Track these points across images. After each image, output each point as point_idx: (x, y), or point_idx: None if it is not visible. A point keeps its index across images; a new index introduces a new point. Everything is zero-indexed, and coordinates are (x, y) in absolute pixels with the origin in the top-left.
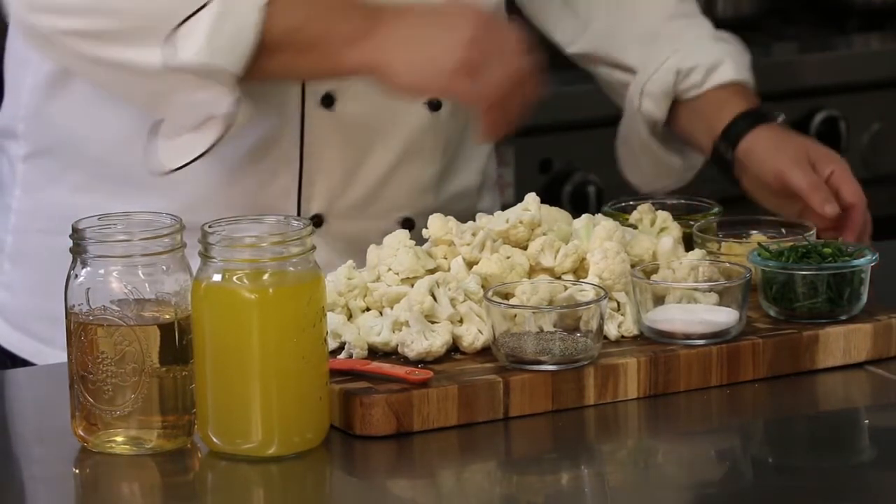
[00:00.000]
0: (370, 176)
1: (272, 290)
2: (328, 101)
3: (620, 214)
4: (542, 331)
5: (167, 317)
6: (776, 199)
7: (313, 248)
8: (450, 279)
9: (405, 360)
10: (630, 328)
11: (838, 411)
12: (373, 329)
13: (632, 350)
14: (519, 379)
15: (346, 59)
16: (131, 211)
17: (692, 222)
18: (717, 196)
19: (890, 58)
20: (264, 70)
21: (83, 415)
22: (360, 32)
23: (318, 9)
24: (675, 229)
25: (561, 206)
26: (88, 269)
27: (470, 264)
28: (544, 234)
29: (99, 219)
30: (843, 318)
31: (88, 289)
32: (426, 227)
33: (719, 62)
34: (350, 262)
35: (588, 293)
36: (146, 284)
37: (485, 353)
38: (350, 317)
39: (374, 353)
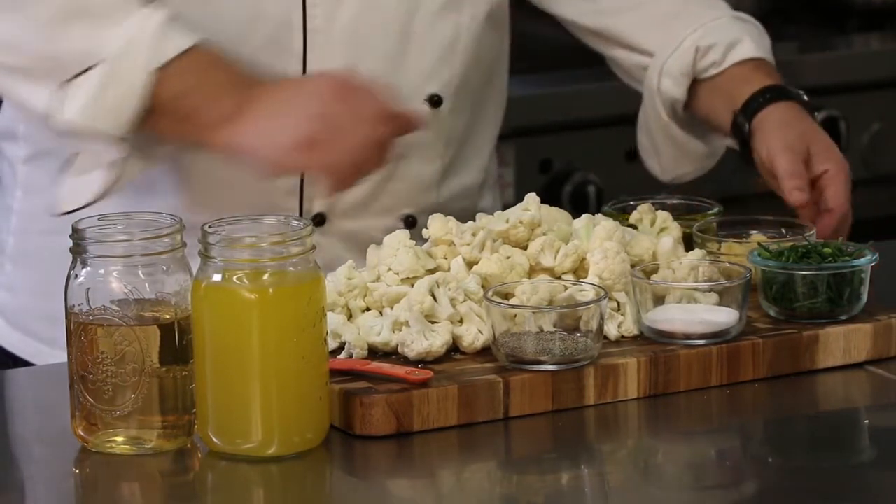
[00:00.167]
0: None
1: (272, 290)
2: None
3: (620, 214)
4: (542, 331)
5: (167, 317)
6: (769, 178)
7: (313, 247)
8: (450, 279)
9: (405, 360)
10: (630, 328)
11: (838, 411)
12: (373, 329)
13: (632, 350)
14: (519, 379)
15: (214, 137)
16: (131, 211)
17: (692, 222)
18: (717, 196)
19: (890, 58)
20: (150, 129)
21: (83, 415)
22: (231, 113)
23: (205, 81)
24: (675, 229)
25: (561, 206)
26: (88, 269)
27: (470, 264)
28: (544, 234)
29: (99, 219)
30: (843, 318)
31: (88, 289)
32: (425, 224)
33: (738, 40)
34: (350, 261)
35: (588, 293)
36: (146, 284)
37: (485, 353)
38: (350, 317)
39: (374, 353)
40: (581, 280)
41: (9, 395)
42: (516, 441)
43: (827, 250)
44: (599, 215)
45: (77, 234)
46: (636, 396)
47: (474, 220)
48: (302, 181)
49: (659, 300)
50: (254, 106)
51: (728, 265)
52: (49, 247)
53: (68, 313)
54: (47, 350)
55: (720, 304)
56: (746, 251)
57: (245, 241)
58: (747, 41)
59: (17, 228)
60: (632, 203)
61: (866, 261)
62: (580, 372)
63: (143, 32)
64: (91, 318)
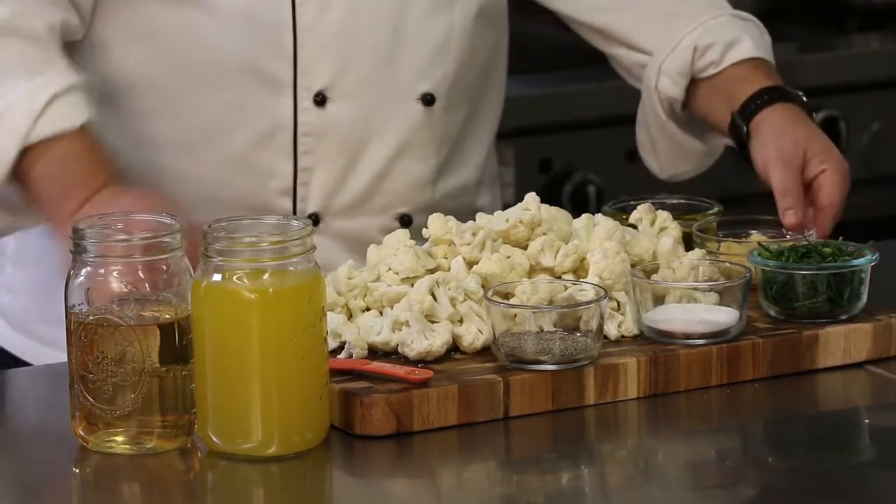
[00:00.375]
0: (365, 173)
1: (272, 290)
2: (320, 99)
3: (620, 214)
4: (542, 330)
5: (167, 317)
6: (765, 182)
7: (313, 247)
8: (450, 279)
9: (405, 360)
10: (630, 328)
11: (838, 411)
12: (373, 329)
13: (632, 350)
14: (519, 379)
15: (57, 227)
16: (131, 211)
17: (692, 222)
18: (717, 196)
19: (890, 58)
20: (16, 191)
21: (83, 415)
22: (72, 213)
23: (63, 174)
24: (675, 229)
25: (561, 206)
26: (88, 269)
27: (470, 264)
28: (544, 233)
29: (99, 219)
30: (843, 317)
31: (88, 289)
32: (423, 224)
33: (737, 39)
34: (350, 261)
35: (588, 293)
36: (146, 284)
37: (485, 352)
38: (350, 316)
39: (374, 352)
40: (581, 280)
41: (9, 395)
42: (516, 441)
43: (827, 250)
44: (599, 215)
45: (77, 234)
46: (636, 396)
47: (472, 217)
48: (295, 182)
49: (659, 300)
50: (83, 210)
51: (728, 265)
52: (50, 248)
53: (68, 313)
54: (48, 351)
55: (720, 303)
56: (746, 251)
57: (245, 241)
58: (746, 40)
59: None
60: (632, 203)
61: (866, 261)
62: (580, 372)
63: (29, 101)
64: (91, 318)
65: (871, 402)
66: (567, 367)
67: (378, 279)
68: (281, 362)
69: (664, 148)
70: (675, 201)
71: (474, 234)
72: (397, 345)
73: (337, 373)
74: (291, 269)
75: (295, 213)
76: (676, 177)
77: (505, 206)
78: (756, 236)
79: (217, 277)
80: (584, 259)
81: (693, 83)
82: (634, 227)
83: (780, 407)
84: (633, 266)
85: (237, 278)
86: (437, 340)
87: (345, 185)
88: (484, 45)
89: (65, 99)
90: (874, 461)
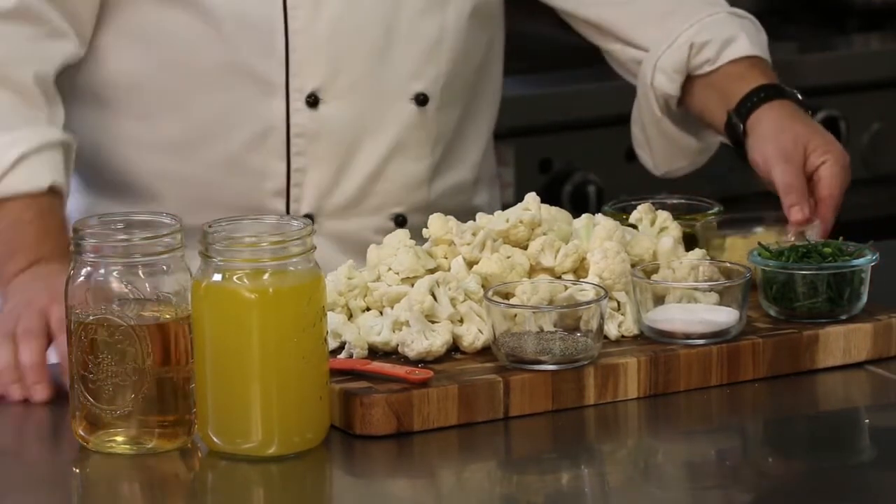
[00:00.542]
0: (359, 174)
1: (272, 290)
2: (313, 101)
3: (620, 214)
4: (542, 330)
5: (167, 317)
6: (765, 178)
7: (313, 247)
8: (450, 279)
9: (405, 360)
10: (630, 328)
11: (838, 411)
12: (373, 329)
13: (632, 350)
14: (519, 379)
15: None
16: (131, 211)
17: (692, 222)
18: (717, 196)
19: (890, 58)
20: None
21: (83, 415)
22: (11, 276)
23: (13, 235)
24: (675, 229)
25: (561, 206)
26: (88, 269)
27: (470, 264)
28: (544, 233)
29: (99, 219)
30: (843, 317)
31: (88, 289)
32: (418, 223)
33: (734, 37)
34: (350, 261)
35: (588, 293)
36: (146, 284)
37: (485, 352)
38: (350, 316)
39: (374, 352)
40: (581, 280)
41: None
42: (516, 441)
43: (827, 250)
44: (599, 215)
45: (77, 234)
46: (636, 396)
47: (468, 216)
48: (288, 183)
49: (659, 300)
50: (19, 279)
51: (728, 265)
52: None
53: (68, 313)
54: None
55: (720, 303)
56: (750, 245)
57: (245, 241)
58: (743, 38)
59: None
60: (632, 203)
61: (866, 261)
62: (580, 372)
63: None
64: (91, 318)
65: (871, 402)
66: (567, 367)
67: (378, 279)
68: (281, 362)
69: (659, 144)
70: (675, 201)
71: (474, 234)
72: (397, 345)
73: (337, 373)
74: (291, 269)
75: (288, 214)
76: (671, 173)
77: (505, 206)
78: (761, 233)
79: (217, 277)
80: (584, 259)
81: (689, 80)
82: (634, 227)
83: (780, 407)
84: (633, 266)
85: (237, 278)
86: (437, 340)
87: (338, 185)
88: (478, 45)
89: (34, 159)
90: (874, 461)
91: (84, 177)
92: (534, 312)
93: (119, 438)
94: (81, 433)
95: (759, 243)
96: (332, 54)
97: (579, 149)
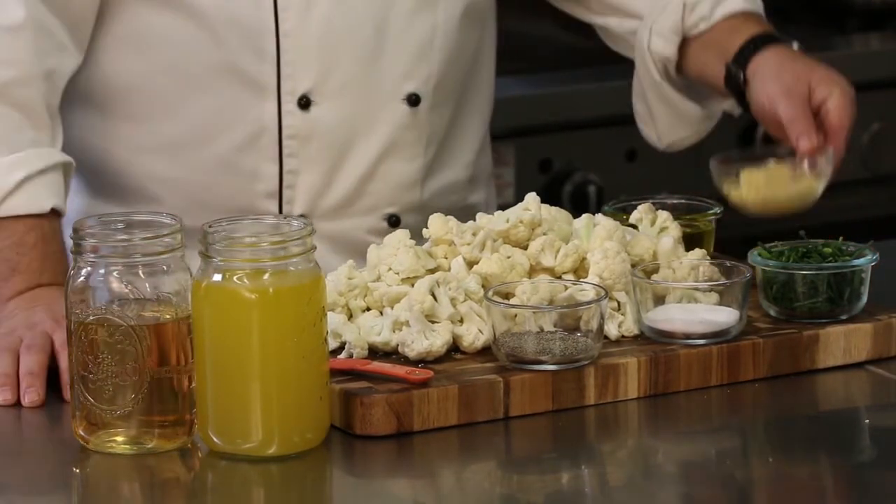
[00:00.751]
0: (351, 174)
1: (272, 290)
2: (305, 102)
3: (620, 214)
4: (542, 330)
5: (167, 317)
6: (771, 124)
7: (313, 247)
8: (450, 279)
9: (405, 360)
10: (630, 328)
11: (838, 411)
12: (373, 329)
13: (632, 350)
14: (519, 379)
15: None
16: (131, 211)
17: (692, 222)
18: (717, 196)
19: (890, 58)
20: None
21: (83, 415)
22: (5, 299)
23: (10, 256)
24: (675, 229)
25: (561, 206)
26: (88, 269)
27: (470, 264)
28: (544, 233)
29: (99, 219)
30: (844, 317)
31: (88, 289)
32: (412, 223)
33: None
34: (350, 261)
35: (588, 293)
36: (146, 284)
37: (485, 352)
38: (350, 317)
39: (374, 352)
40: (581, 280)
41: None
42: (516, 441)
43: (827, 250)
44: (599, 215)
45: (77, 234)
46: (636, 396)
47: (463, 215)
48: (281, 184)
49: (659, 300)
50: (13, 301)
51: (728, 265)
52: None
53: (68, 313)
54: None
55: (720, 303)
56: (765, 176)
57: (245, 241)
58: None
59: None
60: (632, 203)
61: (866, 261)
62: (580, 372)
63: (2, 178)
64: (91, 318)
65: (871, 402)
66: (567, 367)
67: (378, 279)
68: (281, 362)
69: (661, 113)
70: (675, 201)
71: (474, 234)
72: (397, 345)
73: (337, 373)
74: (291, 269)
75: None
76: (675, 145)
77: (505, 207)
78: (773, 165)
79: (217, 277)
80: (584, 259)
81: (685, 42)
82: (634, 227)
83: (780, 407)
84: (633, 266)
85: (237, 278)
86: (437, 340)
87: (331, 186)
88: (469, 44)
89: (37, 181)
90: (874, 461)
91: (80, 179)
92: (534, 312)
93: (119, 438)
94: (81, 433)
95: (759, 243)
96: (323, 56)
97: (579, 149)
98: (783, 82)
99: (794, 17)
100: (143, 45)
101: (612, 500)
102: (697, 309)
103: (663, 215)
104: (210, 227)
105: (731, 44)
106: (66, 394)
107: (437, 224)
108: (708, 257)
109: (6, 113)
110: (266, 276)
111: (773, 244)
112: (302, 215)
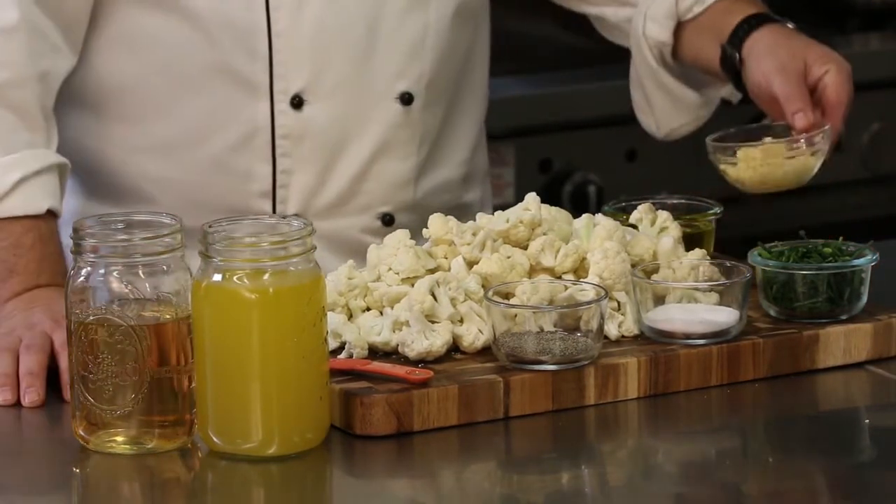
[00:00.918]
0: (345, 173)
1: (272, 290)
2: (297, 102)
3: (620, 214)
4: (542, 330)
5: (167, 317)
6: (767, 103)
7: (313, 247)
8: (450, 279)
9: (405, 360)
10: (630, 328)
11: (838, 411)
12: (373, 329)
13: (632, 350)
14: (519, 379)
15: None
16: (131, 211)
17: (693, 222)
18: (717, 196)
19: (890, 58)
20: None
21: (83, 415)
22: (2, 301)
23: (7, 256)
24: (675, 229)
25: (561, 206)
26: (88, 269)
27: (470, 264)
28: (544, 233)
29: (99, 219)
30: (844, 317)
31: (88, 289)
32: (406, 222)
33: None
34: (350, 261)
35: (588, 293)
36: (146, 284)
37: (485, 352)
38: (350, 316)
39: (374, 352)
40: (581, 280)
41: None
42: (516, 441)
43: (827, 250)
44: (599, 215)
45: (77, 235)
46: (636, 396)
47: (457, 213)
48: (274, 184)
49: (659, 300)
50: (11, 303)
51: (728, 265)
52: None
53: (68, 313)
54: None
55: (720, 303)
56: (762, 154)
57: (245, 241)
58: None
59: None
60: (632, 203)
61: (866, 261)
62: (580, 372)
63: None
64: (91, 318)
65: (871, 402)
66: (567, 367)
67: (378, 279)
68: (281, 362)
69: (658, 101)
70: (675, 201)
71: (474, 234)
72: (397, 345)
73: (337, 373)
74: (292, 269)
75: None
76: (674, 133)
77: (505, 206)
78: (770, 142)
79: (217, 277)
80: (584, 259)
81: (680, 27)
82: (634, 227)
83: (780, 407)
84: (633, 266)
85: (237, 278)
86: (437, 340)
87: (324, 186)
88: (462, 43)
89: (33, 182)
90: (874, 461)
91: (74, 180)
92: (534, 312)
93: (119, 438)
94: (81, 433)
95: (759, 243)
96: (316, 56)
97: (579, 149)
98: (778, 59)
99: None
100: (136, 46)
101: (612, 500)
102: (697, 309)
103: (663, 215)
104: (210, 227)
105: (725, 25)
106: (66, 394)
107: (437, 224)
108: (708, 257)
109: (1, 115)
110: (266, 276)
111: (773, 244)
112: (296, 215)
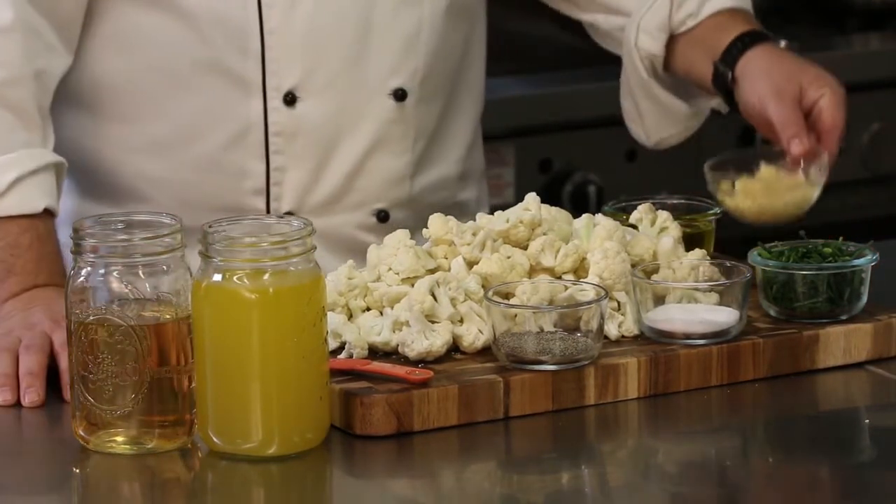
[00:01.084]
0: (339, 170)
1: (272, 290)
2: (290, 99)
3: (620, 214)
4: (542, 330)
5: (167, 317)
6: (760, 124)
7: (313, 247)
8: (450, 279)
9: (405, 360)
10: (630, 328)
11: (838, 411)
12: (373, 329)
13: (632, 350)
14: (519, 379)
15: None
16: (131, 211)
17: (692, 222)
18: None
19: (890, 58)
20: None
21: (83, 415)
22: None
23: (5, 256)
24: (675, 229)
25: (561, 206)
26: (88, 269)
27: (470, 264)
28: (544, 233)
29: (99, 219)
30: (844, 317)
31: (88, 289)
32: (401, 219)
33: None
34: (350, 261)
35: (588, 293)
36: (146, 284)
37: (485, 352)
38: (350, 317)
39: (374, 352)
40: (581, 280)
41: None
42: (516, 441)
43: (827, 250)
44: (599, 215)
45: (77, 235)
46: (636, 396)
47: (453, 211)
48: (268, 181)
49: (659, 300)
50: (9, 303)
51: (728, 265)
52: None
53: (68, 313)
54: None
55: (720, 303)
56: (761, 185)
57: (245, 241)
58: None
59: None
60: (632, 203)
61: (866, 261)
62: (580, 372)
63: None
64: (91, 318)
65: (871, 402)
66: (567, 367)
67: (378, 279)
68: (281, 362)
69: (648, 110)
70: (675, 201)
71: (474, 234)
72: (397, 345)
73: (337, 373)
74: (292, 269)
75: (268, 211)
76: (663, 143)
77: (505, 206)
78: (769, 172)
79: (217, 277)
80: (584, 259)
81: (672, 40)
82: (634, 227)
83: (780, 407)
84: (633, 266)
85: (237, 278)
86: (437, 340)
87: (318, 183)
88: (456, 39)
89: (29, 181)
90: (874, 461)
91: (70, 180)
92: (534, 312)
93: (119, 438)
94: (81, 433)
95: (759, 243)
96: (308, 52)
97: (579, 149)
98: (773, 82)
99: (794, 17)
100: (129, 45)
101: (612, 500)
102: (697, 309)
103: (663, 215)
104: (210, 227)
105: (718, 41)
106: (66, 394)
107: (437, 224)
108: (708, 257)
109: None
110: (266, 276)
111: (773, 244)
112: (289, 212)
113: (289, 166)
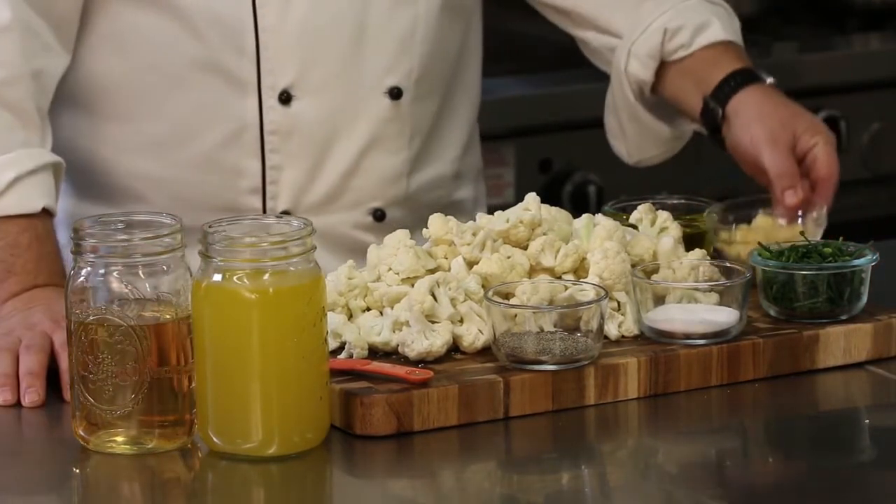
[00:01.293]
0: (335, 169)
1: (272, 290)
2: (285, 98)
3: (620, 214)
4: (542, 331)
5: (167, 317)
6: (749, 167)
7: (314, 247)
8: (450, 279)
9: (405, 360)
10: (630, 328)
11: (838, 411)
12: (373, 329)
13: (632, 350)
14: (519, 379)
15: None
16: (131, 211)
17: (692, 222)
18: (717, 196)
19: (890, 58)
20: None
21: (83, 415)
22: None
23: (5, 256)
24: (675, 229)
25: (561, 206)
26: (88, 269)
27: (470, 264)
28: (544, 233)
29: (99, 219)
30: (844, 317)
31: (88, 289)
32: (397, 217)
33: (708, 23)
34: (350, 261)
35: (588, 293)
36: (146, 284)
37: (485, 352)
38: (350, 317)
39: (374, 353)
40: (581, 280)
41: None
42: (516, 441)
43: (827, 250)
44: (599, 215)
45: (77, 235)
46: (636, 396)
47: (449, 210)
48: (264, 180)
49: (659, 300)
50: (8, 304)
51: (728, 265)
52: None
53: (68, 313)
54: None
55: (720, 303)
56: (762, 235)
57: (245, 241)
58: (716, 24)
59: None
60: (632, 203)
61: (866, 261)
62: (580, 372)
63: None
64: (91, 318)
65: (871, 402)
66: (567, 367)
67: (378, 279)
68: (281, 362)
69: (632, 132)
70: (675, 201)
71: (474, 234)
72: (397, 345)
73: (337, 373)
74: (292, 269)
75: (265, 211)
76: (643, 162)
77: (505, 206)
78: (769, 222)
79: (217, 277)
80: (584, 259)
81: (662, 66)
82: (634, 227)
83: (780, 407)
84: (633, 266)
85: (237, 278)
86: (437, 340)
87: (314, 181)
88: (452, 37)
89: (28, 181)
90: (874, 461)
91: (67, 180)
92: (534, 312)
93: (119, 438)
94: (81, 433)
95: (760, 243)
96: (303, 51)
97: (579, 149)
98: (767, 127)
99: (794, 17)
100: (125, 44)
101: (612, 500)
102: (697, 309)
103: (663, 215)
104: (210, 227)
105: (709, 76)
106: (66, 394)
107: (437, 224)
108: (708, 257)
109: None
110: (266, 276)
111: (773, 244)
112: (286, 211)
113: (285, 165)
